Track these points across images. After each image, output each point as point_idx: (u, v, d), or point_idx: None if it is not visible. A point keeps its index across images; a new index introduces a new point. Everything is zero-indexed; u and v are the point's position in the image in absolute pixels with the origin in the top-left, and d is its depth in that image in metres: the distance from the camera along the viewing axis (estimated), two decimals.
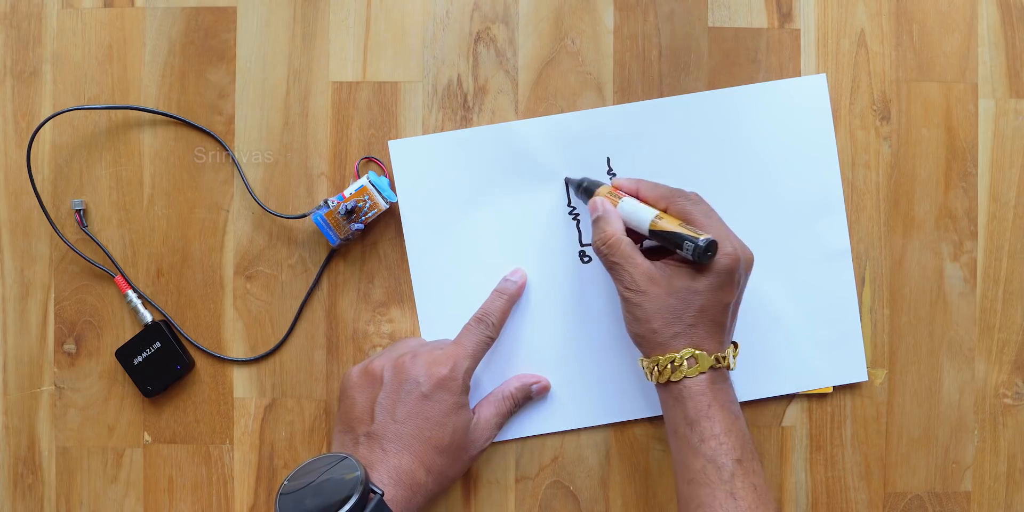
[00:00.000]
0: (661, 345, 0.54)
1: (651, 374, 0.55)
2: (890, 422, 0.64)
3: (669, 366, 0.54)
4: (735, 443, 0.53)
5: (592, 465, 0.64)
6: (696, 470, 0.53)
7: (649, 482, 0.64)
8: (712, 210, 0.57)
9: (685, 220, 0.55)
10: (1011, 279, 0.64)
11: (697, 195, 0.57)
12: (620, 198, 0.58)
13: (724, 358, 0.55)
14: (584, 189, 0.61)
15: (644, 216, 0.56)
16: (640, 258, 0.55)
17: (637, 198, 0.58)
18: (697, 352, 0.54)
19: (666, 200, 0.57)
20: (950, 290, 0.64)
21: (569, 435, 0.64)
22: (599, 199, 0.58)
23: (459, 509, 0.64)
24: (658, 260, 0.56)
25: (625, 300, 0.55)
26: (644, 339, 0.55)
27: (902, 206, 0.64)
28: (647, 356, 0.56)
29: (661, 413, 0.63)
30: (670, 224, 0.55)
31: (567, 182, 0.63)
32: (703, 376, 0.54)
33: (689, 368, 0.54)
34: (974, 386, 0.64)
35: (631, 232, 0.57)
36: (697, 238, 0.53)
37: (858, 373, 0.63)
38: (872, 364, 0.64)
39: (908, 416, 0.64)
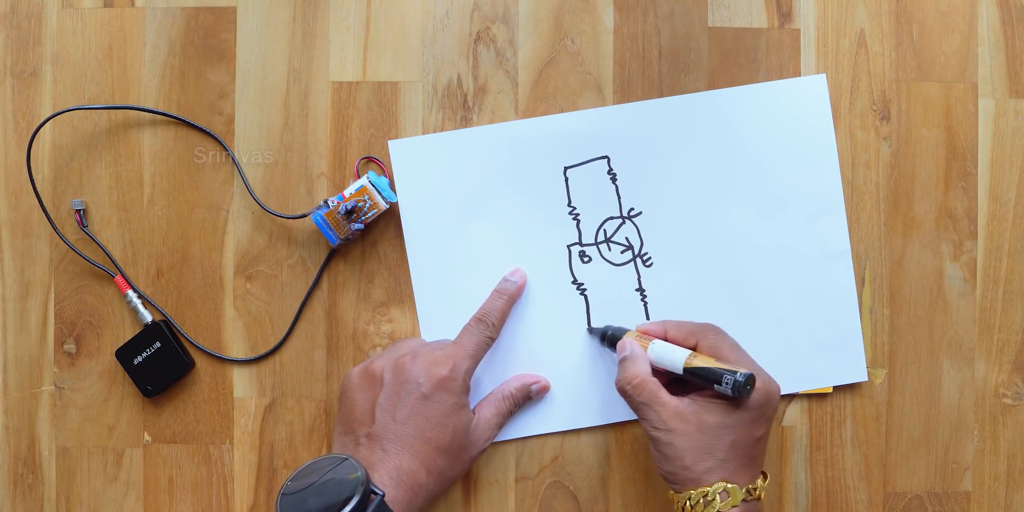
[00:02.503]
0: (693, 480, 0.54)
1: (683, 509, 0.55)
2: (890, 422, 0.64)
3: (702, 501, 0.53)
4: None
5: (592, 465, 0.64)
6: None
7: (649, 482, 0.64)
8: (737, 343, 0.57)
9: (716, 355, 0.56)
10: (1011, 279, 0.64)
11: (718, 327, 0.58)
12: (649, 341, 0.58)
13: (755, 489, 0.55)
14: (609, 338, 0.61)
15: (678, 355, 0.56)
16: (666, 396, 0.55)
17: (665, 339, 0.59)
18: (729, 486, 0.54)
19: (694, 336, 0.58)
20: (950, 290, 0.64)
21: (569, 435, 0.64)
22: (628, 340, 0.59)
23: (459, 509, 0.64)
24: (684, 396, 0.56)
25: (654, 440, 0.55)
26: (675, 476, 0.55)
27: (902, 206, 0.64)
28: (678, 491, 0.55)
29: None
30: (705, 361, 0.55)
31: (590, 331, 0.63)
32: (735, 509, 0.54)
33: (722, 502, 0.53)
34: (974, 386, 0.64)
35: (656, 372, 0.57)
36: (736, 373, 0.53)
37: (858, 373, 0.63)
38: (872, 364, 0.64)
39: (908, 416, 0.64)
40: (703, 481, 0.54)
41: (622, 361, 0.58)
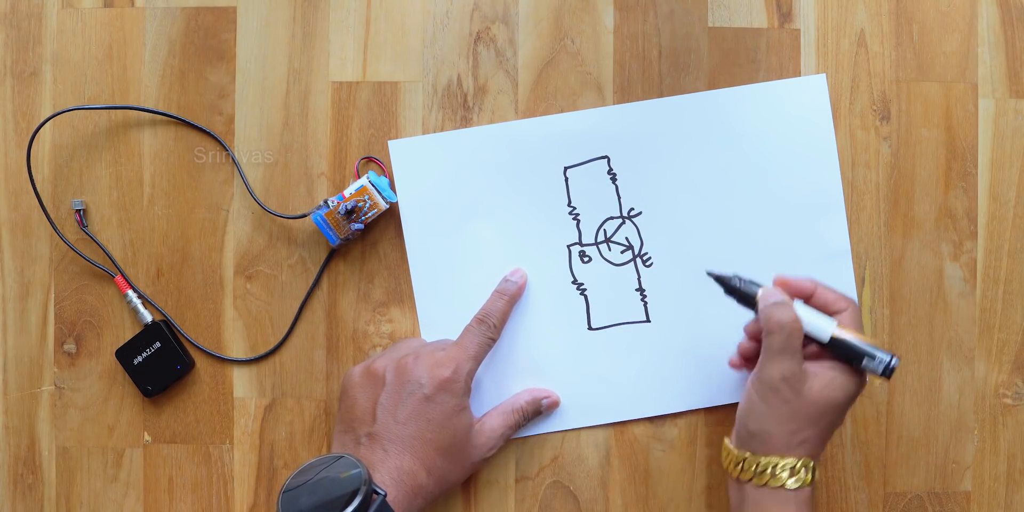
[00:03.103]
0: (786, 447, 0.53)
1: (746, 471, 0.53)
2: (890, 422, 0.64)
3: (789, 471, 0.52)
4: None
5: (592, 465, 0.64)
6: None
7: (649, 482, 0.64)
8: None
9: (856, 330, 0.55)
10: (1011, 279, 0.64)
11: (859, 307, 0.57)
12: (791, 300, 0.56)
13: (817, 473, 0.54)
14: (739, 291, 0.57)
15: (827, 323, 0.55)
16: (802, 355, 0.54)
17: (808, 301, 0.56)
18: (812, 463, 0.53)
19: (841, 304, 0.56)
20: (950, 290, 0.64)
21: (569, 435, 0.64)
22: (776, 289, 0.56)
23: (459, 509, 0.64)
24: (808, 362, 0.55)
25: (774, 390, 0.53)
26: (770, 436, 0.53)
27: (902, 206, 0.64)
28: (758, 453, 0.54)
29: (661, 413, 0.63)
30: (854, 335, 0.54)
31: (711, 276, 0.58)
32: (806, 489, 0.53)
33: (805, 475, 0.53)
34: (974, 386, 0.64)
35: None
36: (890, 355, 0.53)
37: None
38: None
39: (908, 416, 0.64)
40: (793, 450, 0.53)
41: (775, 304, 0.54)
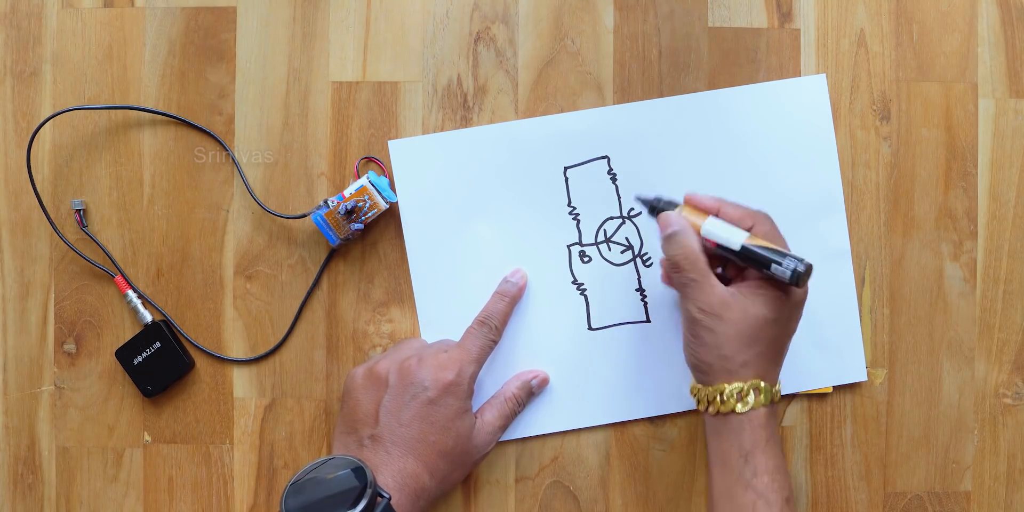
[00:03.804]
0: (728, 373, 0.53)
1: (709, 403, 0.53)
2: (890, 422, 0.64)
3: (735, 396, 0.52)
4: (785, 481, 0.52)
5: (592, 465, 0.64)
6: (744, 504, 0.52)
7: (649, 482, 0.64)
8: (785, 240, 0.56)
9: (771, 241, 0.54)
10: (1011, 279, 0.64)
11: (772, 218, 0.56)
12: (704, 217, 0.56)
13: (777, 391, 0.54)
14: (659, 210, 0.57)
15: (736, 233, 0.54)
16: (715, 279, 0.54)
17: (716, 216, 0.56)
18: (762, 384, 0.53)
19: (751, 219, 0.55)
20: (950, 290, 0.64)
21: (569, 435, 0.64)
22: (672, 214, 0.56)
23: (459, 509, 0.64)
24: (726, 285, 0.54)
25: (695, 322, 0.53)
26: (710, 366, 0.53)
27: (902, 206, 0.64)
28: (708, 384, 0.54)
29: (661, 413, 0.63)
30: (764, 243, 0.53)
31: (638, 199, 0.59)
32: (764, 409, 0.53)
33: (754, 399, 0.52)
34: (974, 386, 0.64)
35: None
36: (800, 259, 0.52)
37: (858, 373, 0.63)
38: (872, 364, 0.64)
39: (908, 416, 0.64)
40: (738, 375, 0.52)
41: (671, 235, 0.55)
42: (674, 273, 0.55)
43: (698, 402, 0.55)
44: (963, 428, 0.64)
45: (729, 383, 0.53)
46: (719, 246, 0.54)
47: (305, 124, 0.64)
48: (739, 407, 0.52)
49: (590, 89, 0.64)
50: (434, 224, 0.63)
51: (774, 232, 0.56)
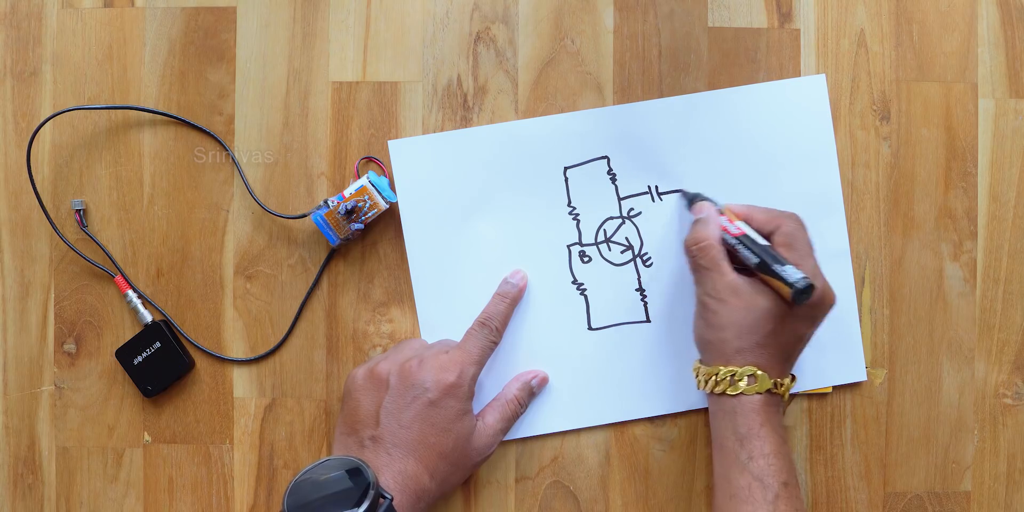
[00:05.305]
0: (725, 356, 0.55)
1: (705, 382, 0.56)
2: (890, 422, 0.64)
3: (729, 379, 0.54)
4: (783, 465, 0.54)
5: (592, 465, 0.64)
6: (740, 487, 0.53)
7: (649, 482, 0.64)
8: (810, 238, 0.57)
9: (790, 244, 0.56)
10: (1011, 279, 0.64)
11: (800, 218, 0.58)
12: (736, 220, 0.58)
13: (782, 385, 0.55)
14: (697, 202, 0.61)
15: (756, 238, 0.57)
16: (727, 267, 0.56)
17: (747, 222, 0.58)
18: (759, 372, 0.54)
19: (776, 221, 0.57)
20: (950, 290, 0.64)
21: (569, 435, 0.64)
22: (707, 204, 0.59)
23: (459, 509, 0.64)
24: (747, 276, 0.56)
25: (702, 305, 0.56)
26: (712, 346, 0.55)
27: (902, 206, 0.64)
28: (708, 364, 0.56)
29: (661, 413, 0.63)
30: (776, 253, 0.55)
31: (682, 194, 0.63)
32: (759, 396, 0.54)
33: (747, 385, 0.54)
34: (974, 386, 0.64)
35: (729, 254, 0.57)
36: (798, 279, 0.53)
37: (858, 373, 0.63)
38: (872, 364, 0.64)
39: (908, 416, 0.64)
40: (735, 360, 0.55)
41: (696, 222, 0.58)
42: (689, 256, 0.58)
43: (696, 378, 0.57)
44: (963, 428, 0.64)
45: (726, 366, 0.55)
46: (737, 243, 0.57)
47: (305, 124, 0.64)
48: (731, 390, 0.54)
49: (590, 89, 0.64)
50: (434, 224, 0.63)
51: (797, 232, 0.57)
